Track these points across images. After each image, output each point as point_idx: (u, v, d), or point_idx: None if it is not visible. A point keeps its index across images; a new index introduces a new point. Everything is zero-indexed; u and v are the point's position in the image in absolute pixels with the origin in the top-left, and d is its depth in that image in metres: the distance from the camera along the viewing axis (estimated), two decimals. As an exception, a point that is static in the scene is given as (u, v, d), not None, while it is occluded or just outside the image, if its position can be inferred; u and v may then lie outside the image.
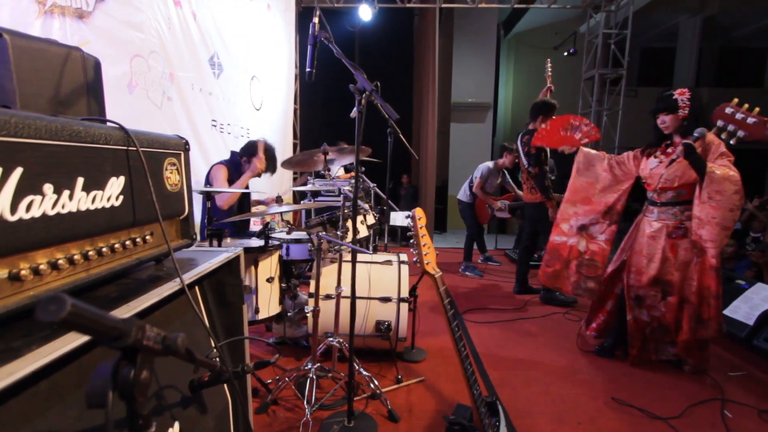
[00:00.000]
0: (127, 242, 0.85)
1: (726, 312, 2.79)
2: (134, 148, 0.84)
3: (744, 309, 2.69)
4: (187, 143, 1.06)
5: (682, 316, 2.28)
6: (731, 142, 2.08)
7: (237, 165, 2.58)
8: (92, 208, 0.74)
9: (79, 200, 0.71)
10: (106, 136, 0.78)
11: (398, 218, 4.79)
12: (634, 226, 2.49)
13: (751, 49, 10.27)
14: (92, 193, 0.74)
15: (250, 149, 2.59)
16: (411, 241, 1.14)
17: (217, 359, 0.79)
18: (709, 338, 2.29)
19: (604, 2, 5.65)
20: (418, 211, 1.15)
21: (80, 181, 0.71)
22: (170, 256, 1.01)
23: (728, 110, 1.76)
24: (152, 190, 0.85)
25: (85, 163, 0.73)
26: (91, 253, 0.75)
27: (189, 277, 0.94)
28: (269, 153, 2.58)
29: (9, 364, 0.51)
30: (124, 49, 2.15)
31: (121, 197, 0.81)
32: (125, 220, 0.83)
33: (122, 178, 0.82)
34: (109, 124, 0.83)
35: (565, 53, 8.16)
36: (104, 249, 0.78)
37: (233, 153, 2.65)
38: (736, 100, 1.71)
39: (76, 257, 0.72)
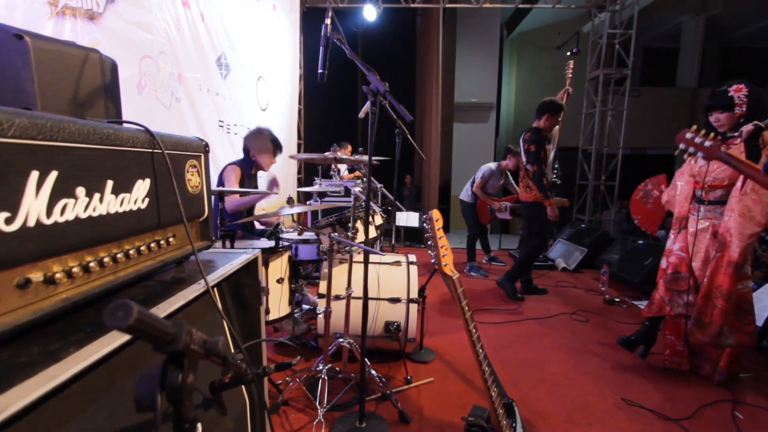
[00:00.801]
0: (152, 244, 0.85)
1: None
2: (159, 151, 0.84)
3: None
4: (207, 145, 1.06)
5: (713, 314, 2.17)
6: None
7: (250, 165, 2.58)
8: (120, 210, 0.74)
9: (109, 203, 0.71)
10: (133, 138, 0.78)
11: (403, 218, 4.79)
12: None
13: (754, 49, 10.25)
14: (120, 196, 0.74)
15: (255, 140, 2.57)
16: (429, 242, 1.14)
17: (241, 362, 0.79)
18: (703, 344, 2.22)
19: (608, 2, 5.65)
20: (435, 213, 1.15)
21: (110, 183, 0.71)
22: (194, 257, 1.01)
23: (688, 135, 1.83)
24: (177, 192, 0.85)
25: (114, 166, 0.73)
26: (119, 255, 0.75)
27: (212, 279, 0.94)
28: (276, 143, 2.60)
29: (49, 368, 0.51)
30: (133, 50, 2.15)
31: (147, 200, 0.82)
32: (150, 222, 0.83)
33: (148, 181, 0.82)
34: (133, 126, 0.83)
35: (568, 53, 8.13)
36: (131, 251, 0.78)
37: (248, 157, 2.65)
38: (695, 126, 1.82)
39: (105, 260, 0.72)
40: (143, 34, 2.22)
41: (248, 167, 2.54)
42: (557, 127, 3.66)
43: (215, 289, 1.12)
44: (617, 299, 3.67)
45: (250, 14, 3.68)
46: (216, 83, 3.12)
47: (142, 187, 0.80)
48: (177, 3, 2.54)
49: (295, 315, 2.58)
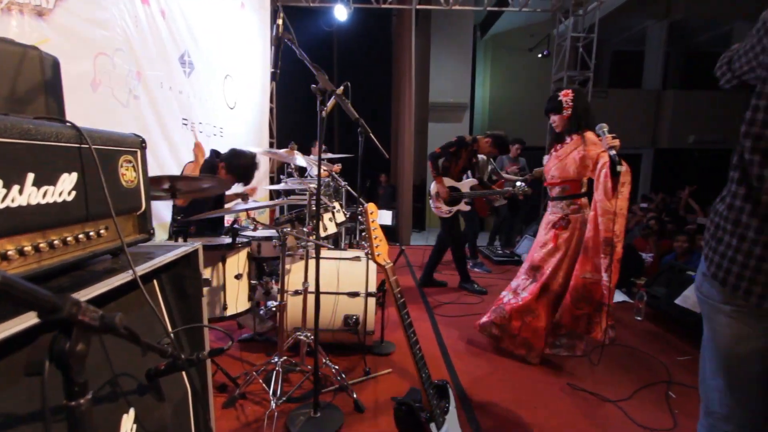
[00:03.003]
0: (80, 236, 0.88)
1: (677, 301, 2.97)
2: (86, 146, 0.88)
3: (693, 299, 2.87)
4: (143, 141, 1.10)
5: (539, 304, 2.37)
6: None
7: (212, 166, 2.57)
8: (43, 202, 0.78)
9: (30, 195, 0.75)
10: (57, 134, 0.82)
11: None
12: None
13: (715, 53, 10.68)
14: (43, 188, 0.77)
15: (238, 161, 2.49)
16: (363, 234, 1.21)
17: (168, 345, 0.84)
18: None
19: (572, 7, 5.85)
20: (370, 206, 1.22)
21: (31, 176, 0.75)
22: (132, 248, 1.04)
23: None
24: (105, 186, 0.89)
25: (35, 160, 0.76)
26: (42, 245, 0.78)
27: (143, 268, 0.98)
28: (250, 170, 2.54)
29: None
30: (87, 47, 2.13)
31: (74, 192, 0.85)
32: (78, 214, 0.87)
33: (74, 174, 0.85)
34: (59, 122, 0.86)
35: (540, 55, 8.38)
36: (56, 242, 0.82)
37: (212, 152, 2.64)
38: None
39: (26, 249, 0.75)
40: (98, 30, 2.21)
41: (210, 167, 2.55)
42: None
43: (154, 280, 1.16)
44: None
45: (215, 12, 3.67)
46: (179, 81, 3.11)
47: (68, 180, 0.84)
48: (135, 0, 2.53)
49: (261, 312, 2.61)
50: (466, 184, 3.79)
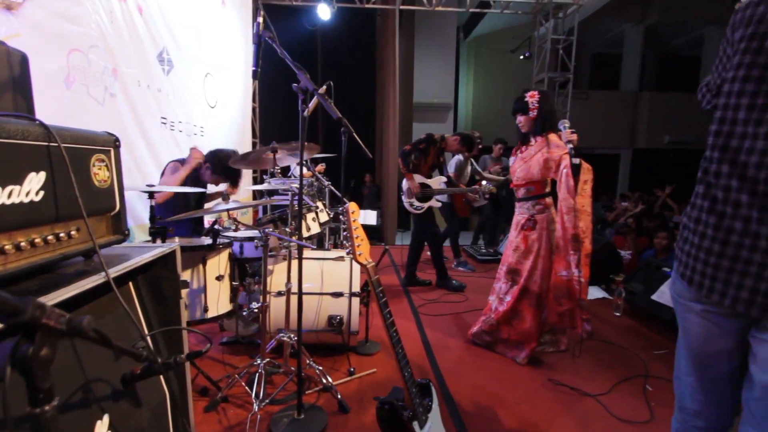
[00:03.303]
0: (50, 237, 0.85)
1: (653, 297, 3.06)
2: (55, 144, 0.85)
3: (668, 294, 2.95)
4: (117, 140, 1.07)
5: (522, 306, 2.41)
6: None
7: (196, 169, 2.52)
8: (8, 202, 0.75)
9: (-7, 194, 0.72)
10: (23, 132, 0.78)
11: (360, 216, 4.83)
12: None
13: (688, 57, 11.14)
14: (8, 188, 0.75)
15: (221, 161, 2.44)
16: (344, 233, 1.20)
17: (143, 349, 0.82)
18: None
19: (552, 10, 5.97)
20: (351, 205, 1.22)
21: (-7, 175, 0.72)
22: (105, 249, 1.01)
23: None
24: (75, 185, 0.86)
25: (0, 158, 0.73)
26: (7, 247, 0.75)
27: (117, 270, 0.95)
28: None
29: None
30: (59, 42, 2.06)
31: (42, 192, 0.82)
32: (47, 215, 0.84)
33: (43, 174, 0.82)
34: (26, 120, 0.83)
35: (521, 57, 8.51)
36: (23, 243, 0.79)
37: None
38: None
39: (-9, 251, 0.72)
40: (71, 26, 2.14)
41: (194, 171, 2.50)
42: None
43: (130, 283, 1.13)
44: (557, 289, 3.91)
45: (195, 9, 3.60)
46: (157, 79, 3.04)
47: (36, 179, 0.81)
48: (111, -5, 2.46)
49: (243, 313, 2.57)
50: (436, 181, 3.85)
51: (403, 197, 3.85)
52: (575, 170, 2.08)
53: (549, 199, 2.42)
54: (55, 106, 2.03)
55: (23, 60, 1.17)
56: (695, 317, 1.02)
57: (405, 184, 3.77)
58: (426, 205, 3.77)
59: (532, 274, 2.39)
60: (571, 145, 2.08)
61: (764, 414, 0.91)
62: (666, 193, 5.95)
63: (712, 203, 0.95)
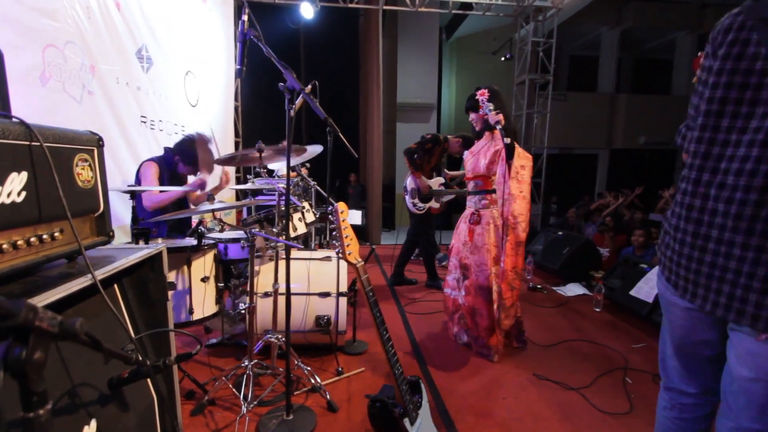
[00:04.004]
0: (32, 239, 0.83)
1: (631, 292, 3.16)
2: (38, 143, 0.83)
3: (645, 289, 3.06)
4: (100, 139, 1.04)
5: (478, 302, 2.44)
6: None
7: (170, 163, 2.48)
8: (-11, 203, 0.72)
9: (-26, 196, 0.69)
10: (3, 130, 0.76)
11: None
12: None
13: (662, 60, 11.54)
14: (-11, 189, 0.72)
15: (187, 149, 2.47)
16: (333, 233, 1.21)
17: (132, 351, 0.81)
18: (507, 328, 2.48)
19: (532, 13, 6.09)
20: (341, 205, 1.22)
21: (-26, 176, 0.69)
22: (86, 251, 0.99)
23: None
24: (59, 186, 0.84)
25: (-21, 158, 0.71)
26: (-12, 249, 0.73)
27: (103, 272, 0.93)
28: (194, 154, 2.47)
29: None
30: (34, 38, 1.99)
31: (24, 193, 0.80)
32: (29, 216, 0.81)
33: (24, 174, 0.80)
34: (5, 118, 0.81)
35: (503, 58, 8.65)
36: (4, 246, 0.77)
37: (166, 149, 2.55)
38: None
39: (-29, 254, 0.70)
40: (46, 21, 2.07)
41: (168, 165, 2.45)
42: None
43: (115, 285, 1.11)
44: (539, 286, 4.00)
45: (175, 6, 3.52)
46: (136, 76, 2.96)
47: (17, 180, 0.78)
48: (88, -10, 2.39)
49: (230, 313, 2.54)
50: (436, 182, 3.85)
51: (406, 196, 3.82)
52: (509, 151, 2.13)
53: (494, 196, 2.44)
54: (30, 103, 1.96)
55: (-2, 56, 1.13)
56: (678, 311, 1.06)
57: (410, 182, 3.74)
58: (427, 205, 3.78)
59: (481, 268, 2.41)
60: (499, 126, 2.13)
61: (741, 405, 0.94)
62: (633, 194, 6.10)
63: (689, 211, 0.98)
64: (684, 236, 1.00)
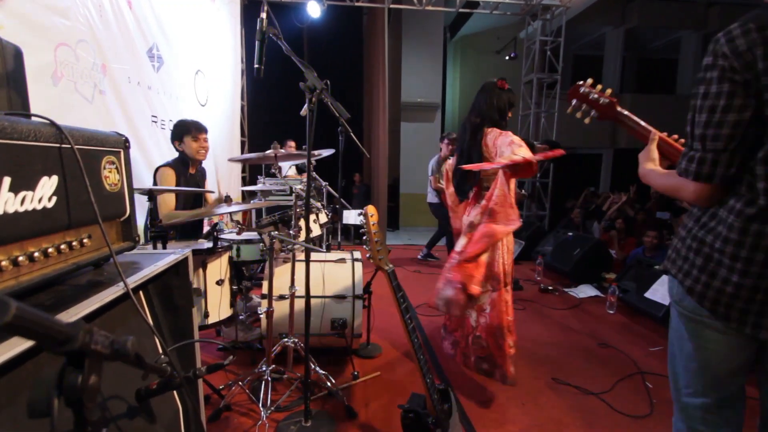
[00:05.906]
0: (62, 246, 0.79)
1: (647, 294, 3.12)
2: (68, 146, 0.79)
3: (661, 291, 3.03)
4: (127, 140, 1.01)
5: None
6: (585, 121, 1.56)
7: (185, 165, 2.42)
8: (21, 210, 0.69)
9: (6, 201, 0.66)
10: (36, 132, 0.72)
11: (351, 216, 4.79)
12: None
13: (666, 60, 11.48)
14: (21, 194, 0.69)
15: (174, 131, 2.38)
16: (364, 237, 1.17)
17: (167, 365, 0.77)
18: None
19: (540, 11, 6.04)
20: (370, 209, 1.18)
21: (7, 181, 0.66)
22: (112, 259, 0.95)
23: (582, 90, 1.62)
24: (90, 190, 0.80)
25: (12, 162, 0.67)
26: (21, 258, 0.69)
27: (133, 280, 0.89)
28: (193, 122, 2.39)
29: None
30: (46, 36, 1.95)
31: (54, 198, 0.76)
32: (59, 222, 0.78)
33: (55, 178, 0.76)
34: (37, 119, 0.77)
35: (507, 57, 8.60)
36: (36, 254, 0.73)
37: (181, 153, 2.49)
38: (590, 80, 1.62)
39: (3, 263, 0.66)
40: (58, 19, 2.03)
41: (184, 166, 2.40)
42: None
43: (140, 292, 1.07)
44: (551, 287, 3.96)
45: (185, 5, 3.48)
46: (147, 76, 2.92)
47: (48, 184, 0.75)
48: (99, -12, 2.35)
49: (241, 317, 2.50)
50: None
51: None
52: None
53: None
54: (43, 103, 1.92)
55: (17, 53, 1.10)
56: (714, 333, 0.94)
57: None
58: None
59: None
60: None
61: None
62: (624, 198, 6.00)
63: (729, 230, 0.88)
64: (721, 257, 0.89)
